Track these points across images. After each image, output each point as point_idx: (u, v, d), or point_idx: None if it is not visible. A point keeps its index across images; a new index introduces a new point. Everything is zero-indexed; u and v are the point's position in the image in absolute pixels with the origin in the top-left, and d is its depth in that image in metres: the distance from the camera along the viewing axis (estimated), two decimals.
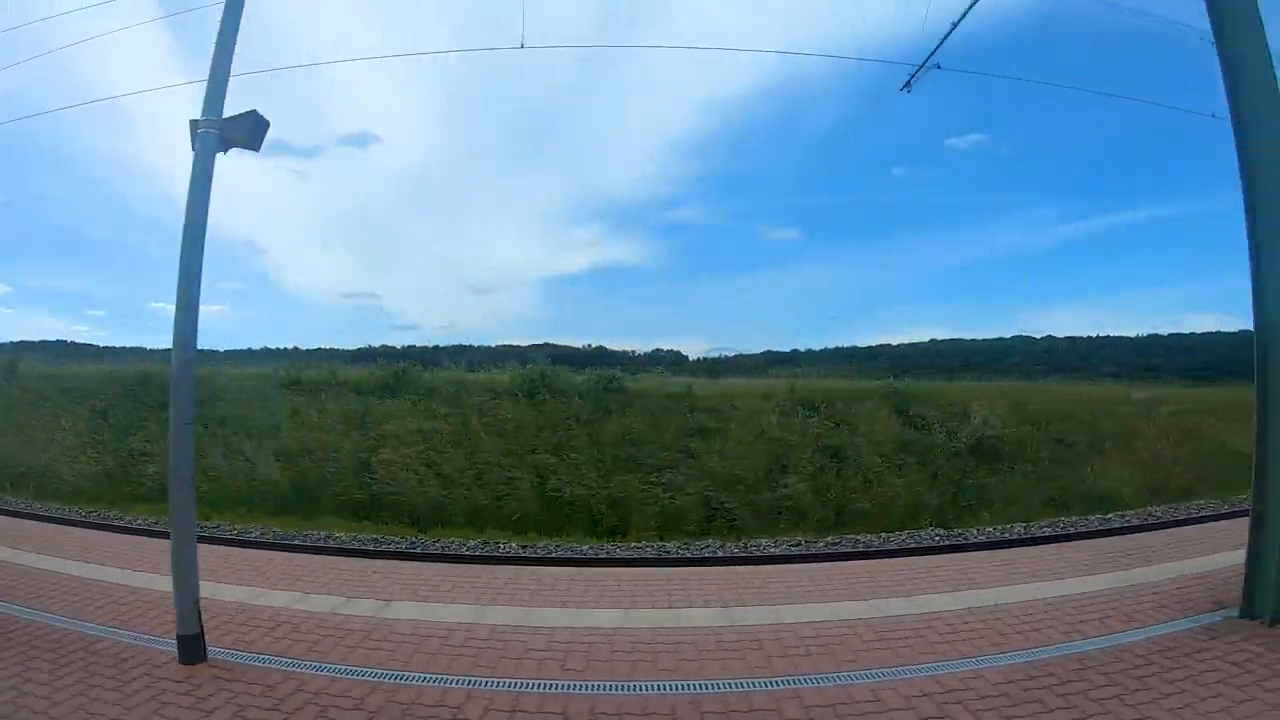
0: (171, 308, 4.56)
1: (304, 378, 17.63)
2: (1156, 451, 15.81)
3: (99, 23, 12.13)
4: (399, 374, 17.59)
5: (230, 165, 4.94)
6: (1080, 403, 18.28)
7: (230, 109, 4.77)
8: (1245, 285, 5.21)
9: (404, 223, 63.09)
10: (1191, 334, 42.92)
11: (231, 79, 4.84)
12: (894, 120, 58.11)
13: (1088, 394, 20.10)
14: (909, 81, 7.42)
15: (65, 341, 34.48)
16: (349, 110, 55.99)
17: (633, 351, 56.14)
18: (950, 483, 13.71)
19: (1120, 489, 13.94)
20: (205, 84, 4.80)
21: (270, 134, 4.81)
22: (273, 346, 46.97)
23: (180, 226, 4.62)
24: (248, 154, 4.88)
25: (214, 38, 4.86)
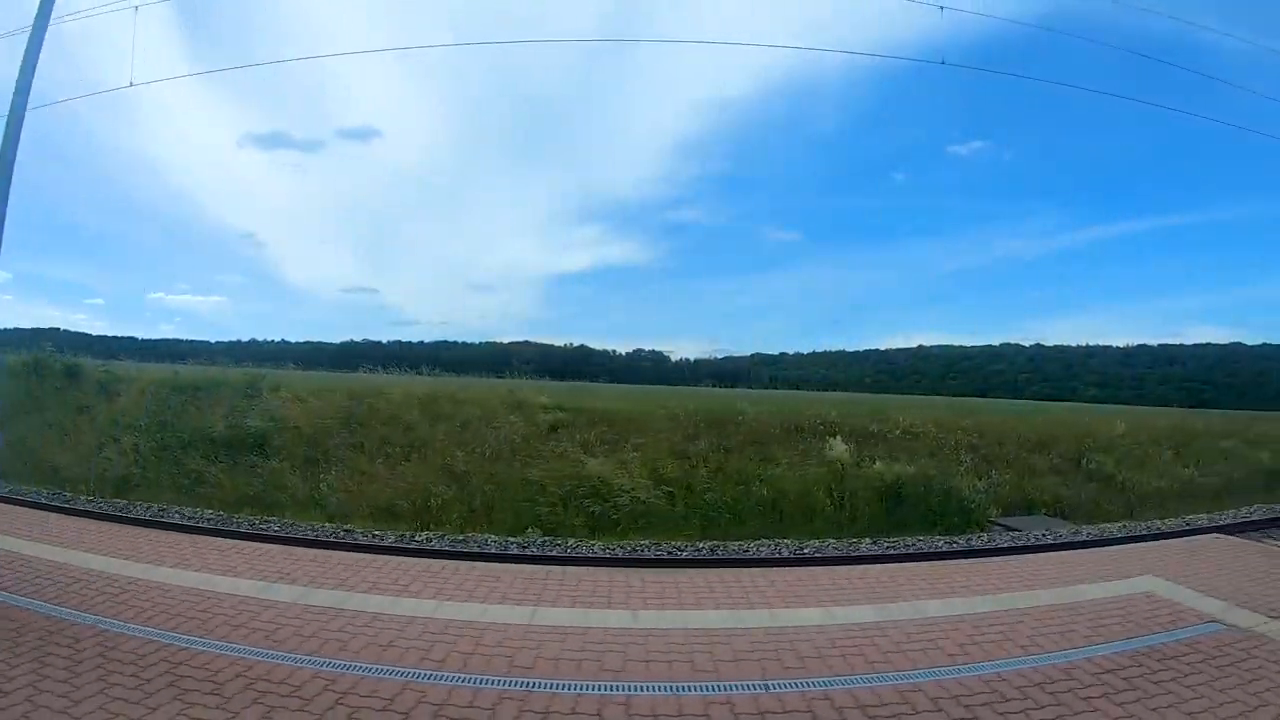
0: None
1: None
2: (446, 465, 14.11)
3: (100, 17, 12.06)
4: None
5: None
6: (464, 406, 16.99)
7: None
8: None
9: (404, 218, 62.33)
10: (1181, 345, 43.29)
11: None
12: (897, 124, 58.35)
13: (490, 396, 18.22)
14: None
15: (59, 330, 34.27)
16: (351, 104, 55.06)
17: (614, 351, 56.15)
18: (183, 466, 14.02)
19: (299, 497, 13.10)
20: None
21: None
22: (260, 338, 46.98)
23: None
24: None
25: None
